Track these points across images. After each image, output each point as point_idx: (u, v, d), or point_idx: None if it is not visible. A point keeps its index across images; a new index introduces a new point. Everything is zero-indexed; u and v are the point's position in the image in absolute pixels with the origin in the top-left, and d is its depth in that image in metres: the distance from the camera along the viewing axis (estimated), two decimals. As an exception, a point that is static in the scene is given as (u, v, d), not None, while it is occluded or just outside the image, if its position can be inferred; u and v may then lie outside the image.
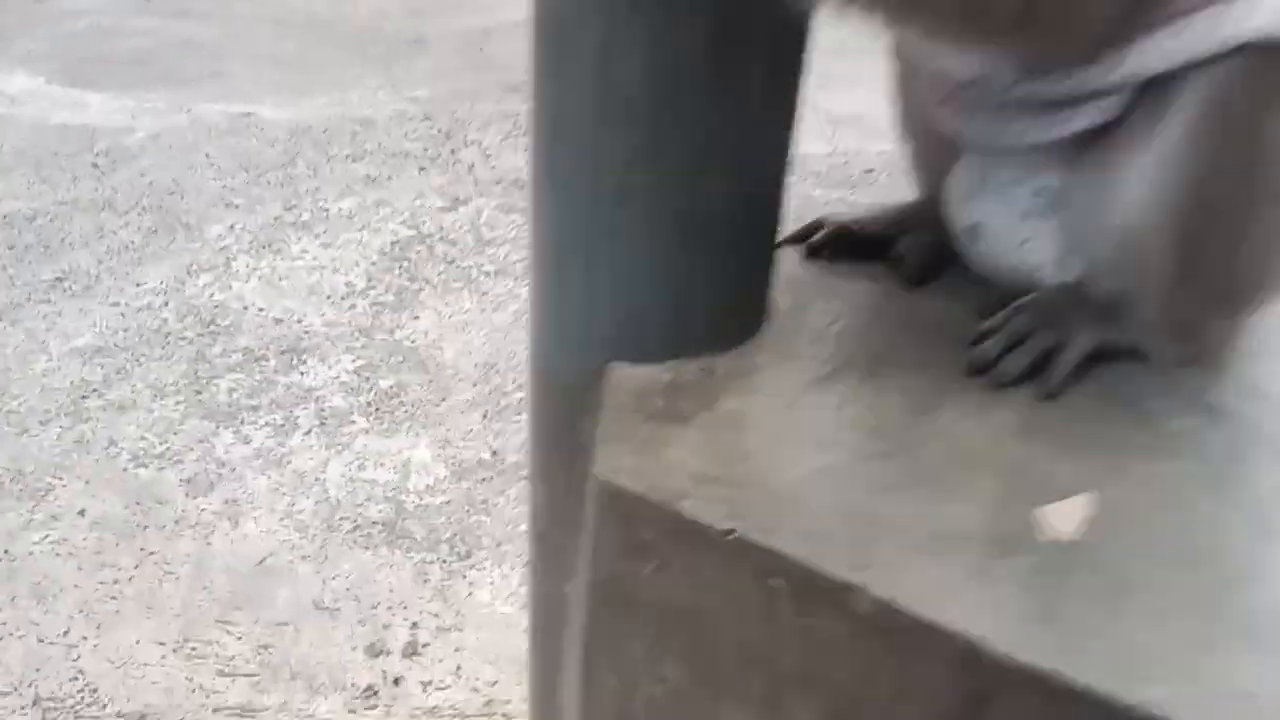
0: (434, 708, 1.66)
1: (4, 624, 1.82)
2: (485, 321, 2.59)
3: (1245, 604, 0.71)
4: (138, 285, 2.73)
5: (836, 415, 0.87)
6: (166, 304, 2.64)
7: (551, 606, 1.13)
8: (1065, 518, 0.76)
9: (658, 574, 0.82)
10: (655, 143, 0.85)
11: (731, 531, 0.76)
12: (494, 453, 2.16)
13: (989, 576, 0.71)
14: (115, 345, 2.49)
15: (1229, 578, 0.73)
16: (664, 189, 0.86)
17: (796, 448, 0.84)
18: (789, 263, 1.06)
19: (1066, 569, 0.72)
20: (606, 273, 0.93)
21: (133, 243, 2.93)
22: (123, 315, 2.60)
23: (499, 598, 1.83)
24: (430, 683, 1.69)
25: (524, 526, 1.98)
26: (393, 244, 2.92)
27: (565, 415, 1.01)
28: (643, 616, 0.84)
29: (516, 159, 3.44)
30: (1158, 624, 0.68)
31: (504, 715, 1.64)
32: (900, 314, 1.00)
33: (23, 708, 1.70)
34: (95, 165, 3.39)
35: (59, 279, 2.76)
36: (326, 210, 3.09)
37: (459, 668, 1.71)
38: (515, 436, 2.20)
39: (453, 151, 3.52)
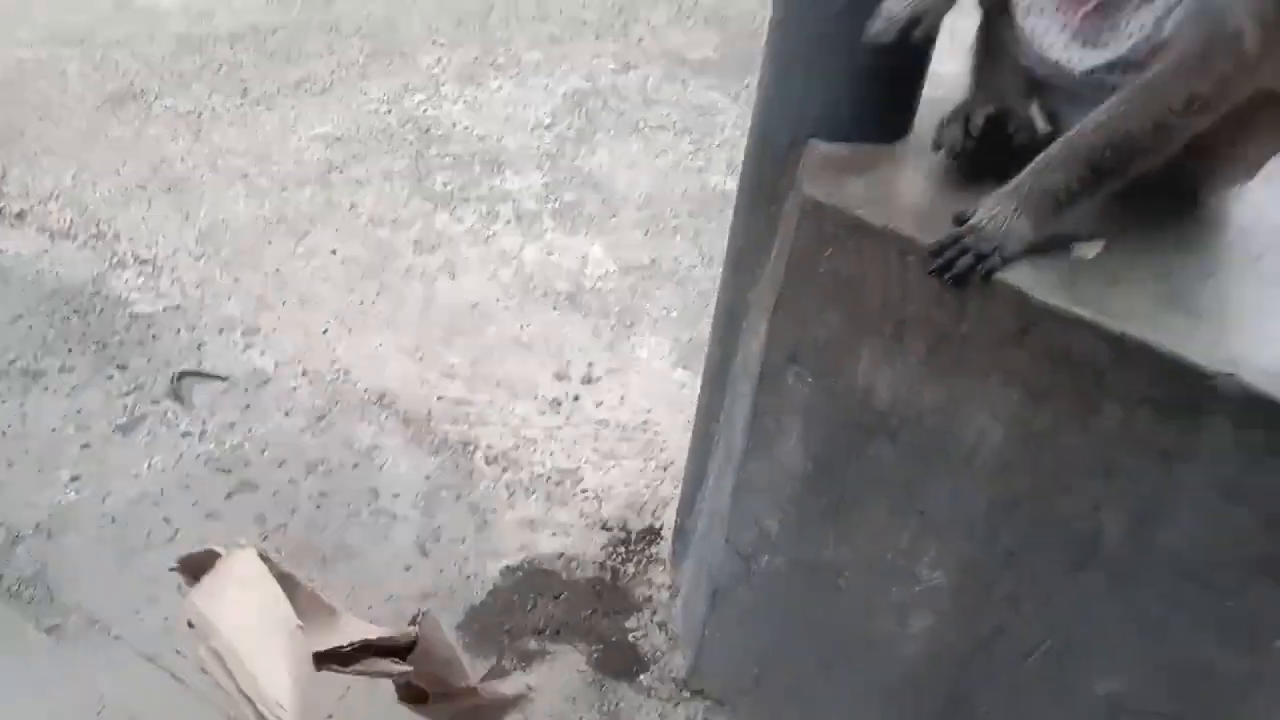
0: (603, 420, 2.22)
1: (279, 319, 2.41)
2: (649, 164, 3.09)
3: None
4: (364, 94, 3.27)
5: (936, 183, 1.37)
6: (389, 111, 3.19)
7: (735, 310, 1.65)
8: (1089, 248, 1.24)
9: (834, 255, 1.33)
10: None
11: (887, 225, 1.27)
12: (652, 260, 2.68)
13: (1040, 269, 1.20)
14: (350, 136, 3.05)
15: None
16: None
17: (918, 190, 1.34)
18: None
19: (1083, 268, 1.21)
20: (818, 80, 1.43)
21: (358, 61, 3.47)
22: (354, 115, 3.15)
23: (655, 356, 2.38)
24: (602, 403, 2.25)
25: (674, 314, 2.52)
26: (574, 92, 3.42)
27: (773, 171, 1.52)
28: (819, 282, 1.36)
29: (679, 38, 3.89)
30: (1138, 293, 1.17)
31: (655, 431, 2.19)
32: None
33: (294, 377, 2.29)
34: (320, -10, 3.92)
35: (300, 81, 3.31)
36: (518, 58, 3.60)
37: (623, 397, 2.27)
38: (668, 250, 2.72)
39: (624, 25, 3.98)
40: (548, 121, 3.25)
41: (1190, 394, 1.08)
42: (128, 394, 2.21)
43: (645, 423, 2.21)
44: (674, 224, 2.83)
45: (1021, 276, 1.19)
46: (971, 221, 1.19)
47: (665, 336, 2.43)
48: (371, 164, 2.93)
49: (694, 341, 2.34)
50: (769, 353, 1.47)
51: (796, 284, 1.39)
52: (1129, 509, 1.16)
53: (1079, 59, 1.21)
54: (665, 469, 2.11)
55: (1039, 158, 1.19)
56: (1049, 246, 1.21)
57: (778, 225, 1.49)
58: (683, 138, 3.24)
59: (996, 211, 1.18)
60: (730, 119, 3.26)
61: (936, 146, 1.37)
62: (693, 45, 3.86)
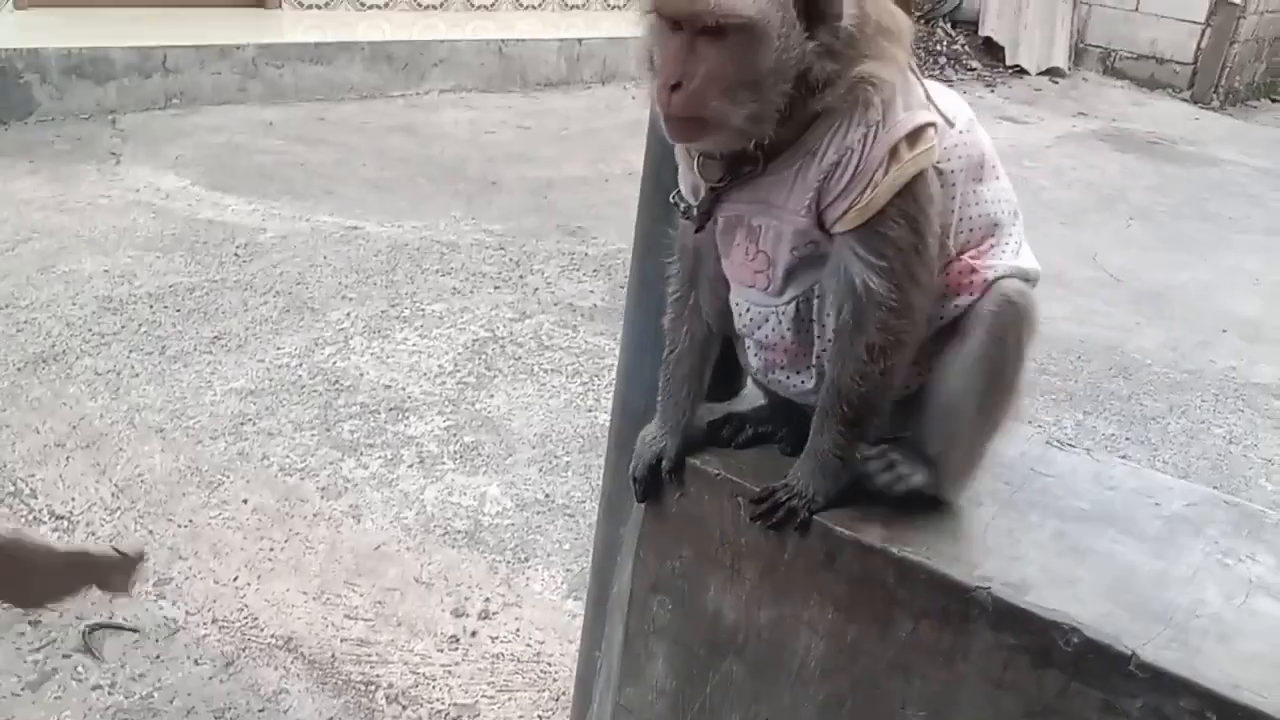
0: (499, 654, 2.38)
1: (191, 568, 2.55)
2: (543, 405, 3.38)
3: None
4: (277, 349, 3.53)
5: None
6: (301, 365, 3.44)
7: (610, 546, 1.88)
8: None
9: (682, 499, 1.59)
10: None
11: (720, 474, 1.54)
12: (547, 495, 2.92)
13: (843, 505, 1.48)
14: (263, 389, 3.28)
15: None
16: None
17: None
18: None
19: (874, 503, 1.48)
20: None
21: (271, 317, 3.75)
22: (268, 369, 3.40)
23: (548, 589, 2.57)
24: (497, 637, 2.41)
25: (566, 546, 2.73)
26: (474, 341, 3.74)
27: (632, 429, 1.79)
28: (672, 521, 1.60)
29: (571, 288, 4.29)
30: (918, 523, 1.44)
31: (548, 663, 2.35)
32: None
33: (204, 625, 2.42)
34: (237, 254, 4.25)
35: (216, 337, 3.57)
36: (422, 310, 3.93)
37: (518, 630, 2.44)
38: (563, 486, 2.96)
39: (521, 277, 4.38)
40: (450, 368, 3.54)
41: (958, 605, 1.34)
42: (38, 649, 2.30)
43: (539, 654, 2.38)
44: (566, 460, 3.08)
45: (826, 513, 1.45)
46: (785, 481, 1.46)
47: (557, 569, 2.64)
48: (283, 415, 3.16)
49: (584, 573, 2.54)
50: (635, 584, 1.69)
51: (654, 523, 1.63)
52: (927, 704, 1.39)
53: (793, 381, 1.48)
54: (557, 699, 2.27)
55: (813, 424, 1.46)
56: (850, 488, 1.48)
57: (638, 472, 1.75)
58: (574, 380, 3.56)
59: (800, 475, 1.45)
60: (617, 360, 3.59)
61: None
62: (583, 294, 4.25)
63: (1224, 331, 4.76)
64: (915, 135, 1.34)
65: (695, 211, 1.44)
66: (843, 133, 1.33)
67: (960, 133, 1.43)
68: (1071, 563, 1.43)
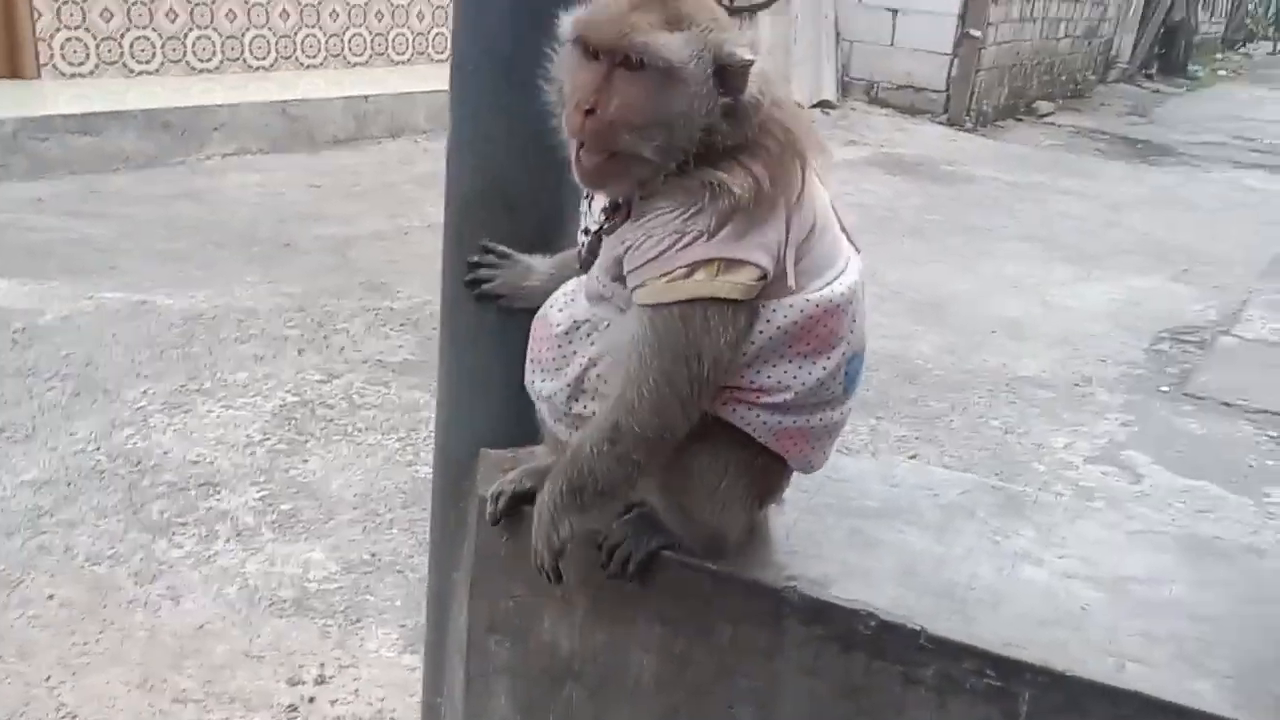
0: (339, 716, 2.36)
1: (-5, 675, 2.41)
2: (361, 464, 3.36)
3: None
4: (71, 435, 3.37)
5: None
6: (99, 449, 3.30)
7: (443, 594, 1.92)
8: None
9: (509, 539, 1.66)
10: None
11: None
12: (373, 554, 2.91)
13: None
14: (59, 479, 3.12)
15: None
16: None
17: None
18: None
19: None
20: (481, 405, 1.81)
21: (60, 403, 3.57)
22: (62, 458, 3.24)
23: (383, 646, 2.56)
24: (337, 700, 2.40)
25: (398, 602, 2.73)
26: (281, 407, 3.68)
27: (456, 477, 1.85)
28: (503, 562, 1.67)
29: (378, 344, 4.28)
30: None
31: (391, 718, 2.35)
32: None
33: (16, 734, 2.29)
34: (14, 340, 4.01)
35: (0, 430, 3.37)
36: (224, 380, 3.83)
37: (358, 691, 2.42)
38: (389, 543, 2.95)
39: (325, 337, 4.33)
40: (259, 437, 3.46)
41: (771, 605, 1.47)
42: None
43: (380, 711, 2.38)
44: (390, 518, 3.08)
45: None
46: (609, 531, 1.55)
47: (391, 626, 2.64)
48: (83, 503, 3.01)
49: (418, 626, 2.55)
50: (472, 626, 1.74)
51: (485, 566, 1.70)
52: (753, 699, 1.51)
53: (543, 387, 1.54)
54: (403, 754, 2.28)
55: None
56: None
57: (466, 519, 1.80)
58: (390, 435, 3.55)
59: (622, 524, 1.54)
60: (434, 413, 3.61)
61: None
62: (391, 349, 4.25)
63: (993, 333, 5.22)
64: (731, 265, 1.35)
65: (582, 252, 1.52)
66: (679, 216, 1.37)
67: (805, 299, 1.41)
68: (865, 555, 1.59)
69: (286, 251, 5.34)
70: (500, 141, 1.66)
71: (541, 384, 1.54)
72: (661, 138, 1.35)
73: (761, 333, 1.42)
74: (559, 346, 1.51)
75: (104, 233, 5.28)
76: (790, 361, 1.44)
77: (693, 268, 1.35)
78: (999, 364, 4.81)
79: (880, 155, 9.53)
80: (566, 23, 1.39)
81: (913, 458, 3.80)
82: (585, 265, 1.50)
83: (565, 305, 1.54)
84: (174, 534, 2.91)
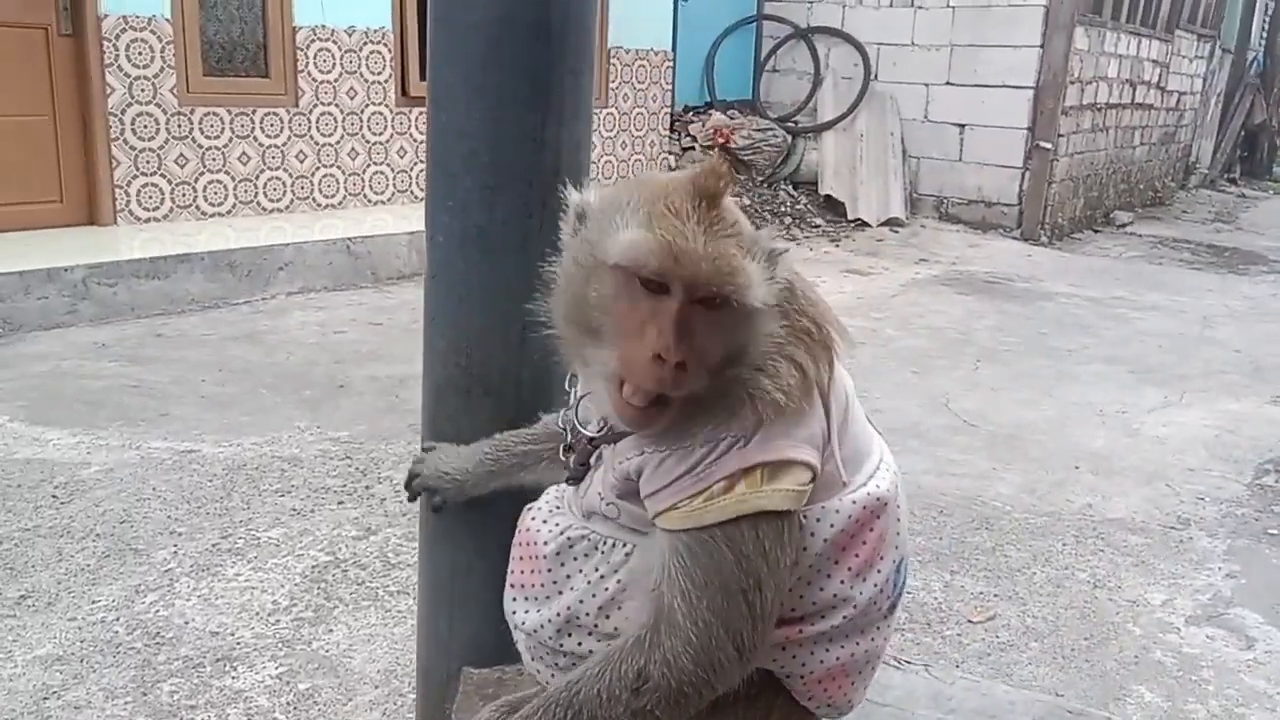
0: None
1: None
2: (387, 635, 3.15)
3: None
4: (93, 603, 3.24)
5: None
6: (118, 619, 3.15)
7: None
8: None
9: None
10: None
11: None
12: (391, 742, 2.68)
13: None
14: (72, 654, 2.97)
15: None
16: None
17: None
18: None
19: None
20: (459, 612, 1.60)
21: (88, 565, 3.46)
22: (79, 629, 3.10)
23: None
24: None
25: (411, 803, 2.47)
26: (313, 568, 3.51)
27: (436, 700, 1.63)
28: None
29: (422, 494, 4.11)
30: None
31: None
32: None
33: None
34: (54, 496, 3.95)
35: (23, 597, 3.25)
36: (257, 538, 3.69)
37: None
38: (409, 730, 2.72)
39: (367, 487, 4.19)
40: (285, 604, 3.29)
41: None
42: None
43: None
44: (412, 699, 2.84)
45: None
46: None
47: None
48: (93, 683, 2.85)
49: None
50: None
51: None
52: None
53: (526, 618, 1.30)
54: None
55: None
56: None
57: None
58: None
59: None
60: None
61: None
62: (432, 501, 4.07)
63: (1077, 468, 4.86)
64: (777, 469, 1.14)
65: (573, 464, 1.30)
66: (709, 425, 1.16)
67: (851, 500, 1.21)
68: (910, 817, 1.32)
69: (339, 394, 5.27)
70: (474, 318, 1.49)
71: (525, 614, 1.30)
72: (729, 369, 1.15)
73: (806, 549, 1.19)
74: (548, 570, 1.28)
75: (159, 378, 5.29)
76: (839, 580, 1.19)
77: (732, 480, 1.13)
78: (1084, 504, 4.44)
79: (952, 273, 9.28)
80: (613, 243, 1.13)
81: (991, 619, 3.46)
82: (575, 477, 1.29)
83: (551, 516, 1.33)
84: (181, 719, 2.72)
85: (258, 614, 3.22)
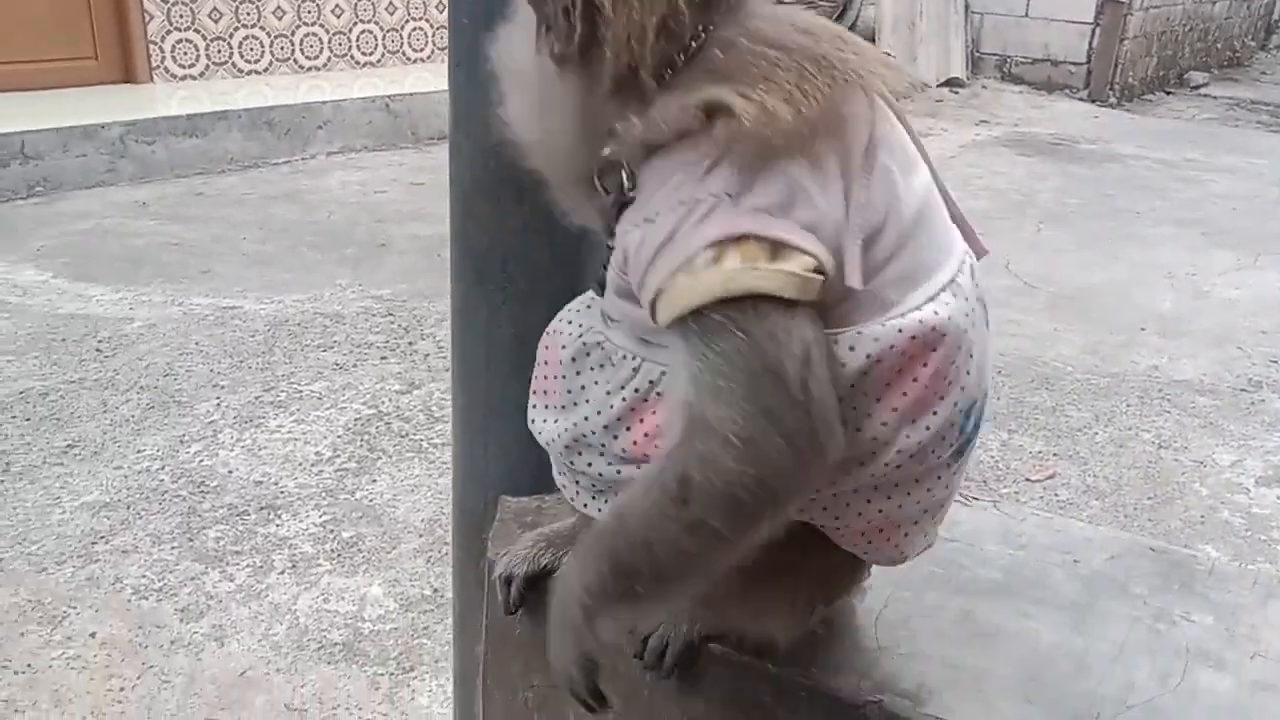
0: (378, 783, 2.10)
1: (27, 722, 2.24)
2: (431, 485, 3.11)
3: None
4: (138, 452, 3.23)
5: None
6: (163, 468, 3.14)
7: (467, 673, 1.63)
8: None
9: (525, 620, 1.35)
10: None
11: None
12: (435, 590, 2.65)
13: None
14: (119, 501, 2.97)
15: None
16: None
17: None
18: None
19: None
20: (497, 448, 1.50)
21: (133, 417, 3.45)
22: (125, 477, 3.09)
23: (435, 702, 2.30)
24: (377, 763, 2.14)
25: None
26: (356, 420, 3.47)
27: (474, 531, 1.55)
28: (519, 647, 1.36)
29: (465, 350, 4.04)
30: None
31: (434, 787, 2.09)
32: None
33: (41, 789, 2.11)
34: (99, 350, 3.93)
35: (70, 446, 3.25)
36: (300, 391, 3.65)
37: (401, 752, 2.16)
38: (450, 578, 2.69)
39: (410, 343, 4.12)
40: (328, 455, 3.26)
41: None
42: None
43: (424, 778, 2.11)
44: (456, 546, 2.82)
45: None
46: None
47: (446, 677, 2.36)
48: (139, 529, 2.85)
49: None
50: (487, 718, 1.45)
51: (499, 651, 1.39)
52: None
53: (545, 427, 1.16)
54: (447, 827, 2.00)
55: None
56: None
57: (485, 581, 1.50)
58: (465, 453, 3.29)
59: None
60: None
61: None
62: (475, 356, 4.00)
63: (1143, 330, 4.66)
64: (779, 248, 0.91)
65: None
66: (685, 176, 0.94)
67: (896, 326, 0.97)
68: (978, 653, 1.22)
69: (380, 252, 5.18)
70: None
71: (543, 423, 1.15)
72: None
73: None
74: (562, 378, 1.11)
75: (200, 236, 5.22)
76: (879, 421, 0.97)
77: (720, 248, 0.90)
78: (1150, 366, 4.26)
79: (1014, 135, 8.87)
80: None
81: (1051, 478, 3.35)
82: (600, 281, 1.14)
83: (577, 316, 1.18)
84: (227, 564, 2.72)
85: (301, 464, 3.20)
